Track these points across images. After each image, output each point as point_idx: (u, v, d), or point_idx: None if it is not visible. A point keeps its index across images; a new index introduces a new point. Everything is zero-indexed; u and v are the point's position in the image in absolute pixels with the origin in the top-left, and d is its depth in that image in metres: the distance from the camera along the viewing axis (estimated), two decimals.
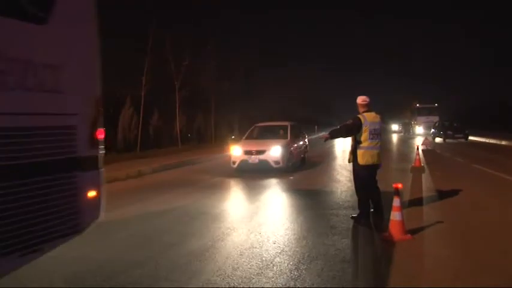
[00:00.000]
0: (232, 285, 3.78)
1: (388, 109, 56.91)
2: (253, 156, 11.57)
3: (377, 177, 6.25)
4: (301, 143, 13.76)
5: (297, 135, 13.41)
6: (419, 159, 12.31)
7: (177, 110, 22.55)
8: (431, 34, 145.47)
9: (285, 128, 13.22)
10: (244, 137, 13.60)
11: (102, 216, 3.63)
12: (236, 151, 11.99)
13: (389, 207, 5.23)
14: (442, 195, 7.93)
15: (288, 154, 11.80)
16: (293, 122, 14.10)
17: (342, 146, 21.99)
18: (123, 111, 22.64)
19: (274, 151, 11.51)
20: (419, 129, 38.00)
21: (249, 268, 4.18)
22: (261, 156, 11.51)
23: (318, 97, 73.33)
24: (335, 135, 6.49)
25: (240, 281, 3.87)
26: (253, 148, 11.79)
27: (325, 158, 16.83)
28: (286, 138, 12.48)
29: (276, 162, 11.43)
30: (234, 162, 11.88)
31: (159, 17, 19.14)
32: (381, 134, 6.17)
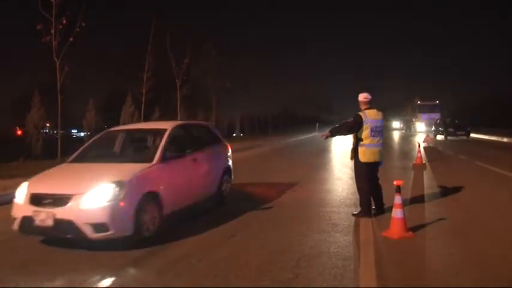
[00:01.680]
0: (232, 283, 3.78)
1: (390, 106, 56.87)
2: (44, 211, 4.90)
3: (378, 175, 6.24)
4: (205, 166, 6.74)
5: (185, 150, 6.38)
6: (421, 156, 12.28)
7: (178, 107, 22.57)
8: (432, 32, 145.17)
9: (158, 135, 6.24)
10: (71, 158, 6.34)
11: None
12: (19, 195, 5.30)
13: (391, 205, 5.22)
14: (444, 192, 7.91)
15: (143, 202, 5.09)
16: (182, 123, 7.40)
17: (338, 151, 21.95)
18: (125, 109, 22.71)
19: (92, 198, 4.88)
20: (420, 127, 37.94)
21: (250, 266, 4.17)
22: (60, 212, 4.85)
23: (321, 95, 73.51)
24: (336, 133, 6.48)
25: (240, 278, 3.86)
26: (50, 190, 5.16)
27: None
28: (149, 159, 5.62)
29: (98, 227, 4.78)
30: (14, 220, 5.18)
31: (160, 13, 19.21)
32: (382, 131, 6.16)
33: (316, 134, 33.55)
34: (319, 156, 16.68)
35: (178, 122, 7.21)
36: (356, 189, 6.42)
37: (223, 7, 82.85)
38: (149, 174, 5.44)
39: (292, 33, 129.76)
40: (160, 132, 6.28)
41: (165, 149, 5.86)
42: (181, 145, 6.47)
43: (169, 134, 6.19)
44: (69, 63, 13.32)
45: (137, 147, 6.80)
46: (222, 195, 7.32)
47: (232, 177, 7.87)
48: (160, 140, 6.03)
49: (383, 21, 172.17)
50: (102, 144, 7.02)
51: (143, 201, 5.09)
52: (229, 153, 7.96)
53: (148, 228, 5.13)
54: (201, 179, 6.62)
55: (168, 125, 6.52)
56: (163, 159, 5.72)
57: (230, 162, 7.84)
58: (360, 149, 6.02)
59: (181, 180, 6.08)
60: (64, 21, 12.66)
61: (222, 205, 7.19)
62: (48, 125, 20.51)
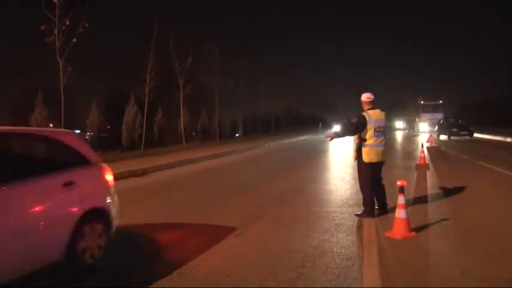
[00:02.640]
0: (236, 283, 3.78)
1: (394, 106, 56.74)
2: None
3: (382, 175, 6.24)
4: (25, 211, 3.43)
5: None
6: (424, 156, 12.26)
7: (181, 107, 22.60)
8: (434, 31, 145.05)
9: None
10: None
11: None
12: None
13: (394, 205, 5.22)
14: (447, 192, 7.89)
15: None
16: None
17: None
18: (128, 110, 22.77)
19: None
20: (423, 127, 37.85)
21: (254, 266, 4.18)
22: None
23: (322, 95, 73.53)
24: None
25: (244, 278, 3.87)
26: None
27: None
28: None
29: None
30: None
31: (161, 13, 19.27)
32: (385, 131, 6.16)
33: (318, 134, 33.56)
34: (319, 156, 16.66)
35: None
36: (359, 189, 6.43)
37: (223, 7, 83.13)
38: None
39: (292, 33, 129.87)
40: None
41: None
42: None
43: None
44: (72, 63, 13.37)
45: None
46: (80, 261, 3.95)
47: (114, 226, 4.51)
48: None
49: (383, 21, 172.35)
50: None
51: None
52: (107, 182, 4.54)
53: None
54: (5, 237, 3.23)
55: None
56: None
57: (108, 200, 4.46)
58: (364, 149, 6.03)
59: None
60: (67, 22, 12.70)
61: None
62: (51, 125, 20.60)
